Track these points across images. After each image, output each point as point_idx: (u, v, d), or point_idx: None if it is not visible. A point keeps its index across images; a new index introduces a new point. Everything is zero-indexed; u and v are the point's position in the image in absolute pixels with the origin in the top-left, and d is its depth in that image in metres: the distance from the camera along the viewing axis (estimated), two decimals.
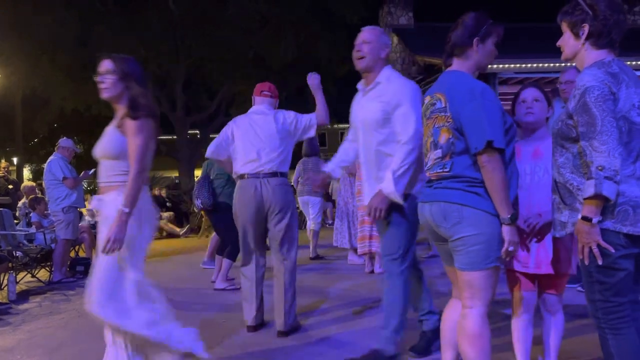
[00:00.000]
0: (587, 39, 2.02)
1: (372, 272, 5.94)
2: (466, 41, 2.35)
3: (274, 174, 3.85)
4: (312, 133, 4.04)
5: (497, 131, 2.18)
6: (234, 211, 4.00)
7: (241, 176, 3.92)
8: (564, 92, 4.16)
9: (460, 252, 2.29)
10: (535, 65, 12.05)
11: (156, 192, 13.17)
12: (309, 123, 3.97)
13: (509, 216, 2.18)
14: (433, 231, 2.42)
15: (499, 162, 2.17)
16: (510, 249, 2.23)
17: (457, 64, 2.41)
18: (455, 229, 2.27)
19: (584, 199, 1.90)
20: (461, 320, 2.33)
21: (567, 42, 2.09)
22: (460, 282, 2.34)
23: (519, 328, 2.62)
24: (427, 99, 2.46)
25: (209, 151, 4.11)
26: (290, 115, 3.99)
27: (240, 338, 3.82)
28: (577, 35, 2.04)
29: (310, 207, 7.71)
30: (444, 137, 2.31)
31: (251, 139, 3.89)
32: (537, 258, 2.53)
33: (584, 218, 1.90)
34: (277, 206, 3.83)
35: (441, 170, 2.32)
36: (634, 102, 1.92)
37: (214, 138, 4.22)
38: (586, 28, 2.00)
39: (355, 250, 6.77)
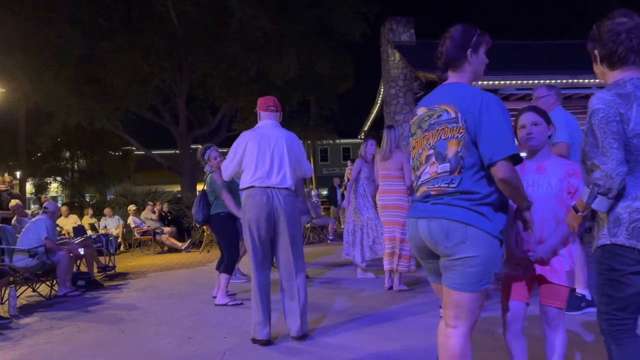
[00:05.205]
0: (601, 63, 2.13)
1: (391, 287, 5.89)
2: (460, 54, 2.35)
3: (283, 188, 3.96)
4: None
5: (514, 142, 2.24)
6: (242, 220, 4.01)
7: (250, 187, 3.97)
8: None
9: (455, 271, 2.23)
10: (537, 81, 12.12)
11: (158, 206, 13.19)
12: (303, 175, 4.30)
13: (528, 205, 2.33)
14: (421, 248, 2.35)
15: (515, 169, 2.21)
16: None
17: (454, 77, 2.38)
18: (458, 249, 2.19)
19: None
20: (444, 339, 2.28)
21: (595, 69, 2.21)
22: (448, 300, 2.28)
23: (509, 340, 2.60)
24: (423, 111, 2.39)
25: (227, 175, 4.20)
26: (302, 151, 4.18)
27: (242, 353, 3.80)
28: (596, 62, 2.16)
29: None
30: (452, 150, 2.23)
31: (264, 154, 3.97)
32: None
33: (574, 208, 2.14)
34: (286, 215, 3.93)
35: (446, 185, 2.24)
36: None
37: None
38: (597, 54, 2.12)
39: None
